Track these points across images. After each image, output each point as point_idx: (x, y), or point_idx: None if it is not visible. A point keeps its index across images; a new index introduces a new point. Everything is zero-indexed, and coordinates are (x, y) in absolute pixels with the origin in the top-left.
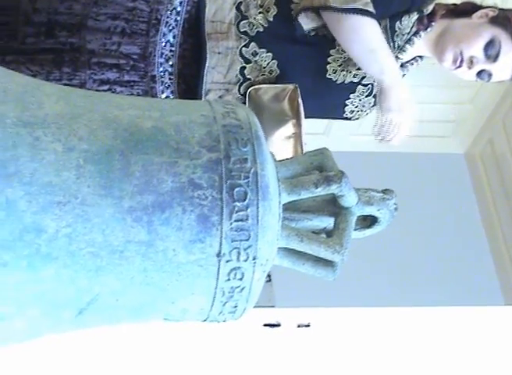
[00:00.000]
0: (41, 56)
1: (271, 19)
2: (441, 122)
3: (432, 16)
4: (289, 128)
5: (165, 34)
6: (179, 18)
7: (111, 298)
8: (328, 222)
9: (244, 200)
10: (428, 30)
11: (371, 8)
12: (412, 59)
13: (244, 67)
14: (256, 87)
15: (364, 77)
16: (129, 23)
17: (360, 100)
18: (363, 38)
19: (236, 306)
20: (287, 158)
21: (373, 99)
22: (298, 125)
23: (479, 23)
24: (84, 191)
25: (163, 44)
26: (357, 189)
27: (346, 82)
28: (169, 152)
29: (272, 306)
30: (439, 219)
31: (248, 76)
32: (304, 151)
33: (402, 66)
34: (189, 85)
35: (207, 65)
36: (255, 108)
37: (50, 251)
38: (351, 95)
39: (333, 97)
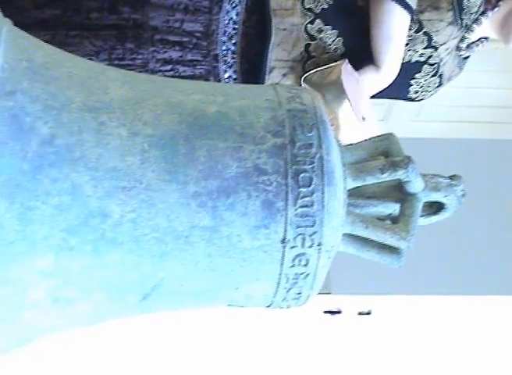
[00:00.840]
0: (105, 32)
1: None
2: (503, 107)
3: None
4: (348, 104)
5: (228, 12)
6: None
7: (175, 284)
8: (393, 208)
9: (309, 185)
10: (496, 9)
11: (411, 3)
12: (477, 40)
13: (309, 44)
14: (308, 74)
15: (430, 56)
16: (193, 1)
17: (425, 80)
18: (388, 24)
19: (300, 293)
20: (352, 144)
21: (438, 79)
22: (349, 100)
23: None
24: (149, 176)
25: (226, 21)
26: (423, 175)
27: (411, 61)
28: (234, 137)
29: (329, 293)
30: (503, 206)
31: (313, 54)
32: (364, 126)
33: (468, 46)
34: (252, 64)
35: (271, 42)
36: (318, 93)
37: (115, 236)
38: (416, 75)
39: (398, 76)
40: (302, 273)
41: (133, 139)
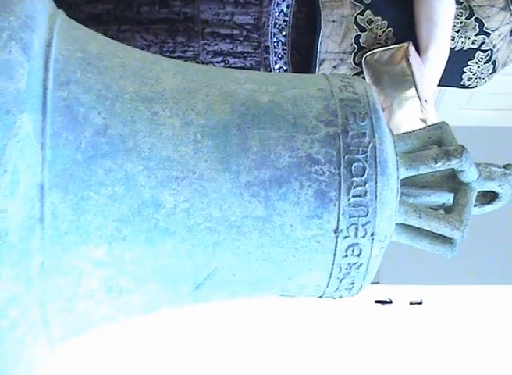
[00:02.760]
0: (156, 26)
1: None
2: None
3: None
4: (412, 88)
5: (278, 4)
6: None
7: (228, 273)
8: (446, 198)
9: (362, 175)
10: None
11: None
12: None
13: (359, 35)
14: (370, 52)
15: (483, 43)
16: None
17: (478, 67)
18: (432, 8)
19: (352, 283)
20: (405, 133)
21: (492, 66)
22: (415, 83)
23: None
24: (202, 166)
25: (276, 13)
26: (477, 164)
27: (464, 48)
28: (286, 127)
29: (377, 282)
30: None
31: (363, 45)
32: (426, 109)
33: None
34: (302, 55)
35: (321, 34)
36: (374, 75)
37: (168, 226)
38: (469, 62)
39: (451, 64)
40: (355, 263)
41: (185, 129)
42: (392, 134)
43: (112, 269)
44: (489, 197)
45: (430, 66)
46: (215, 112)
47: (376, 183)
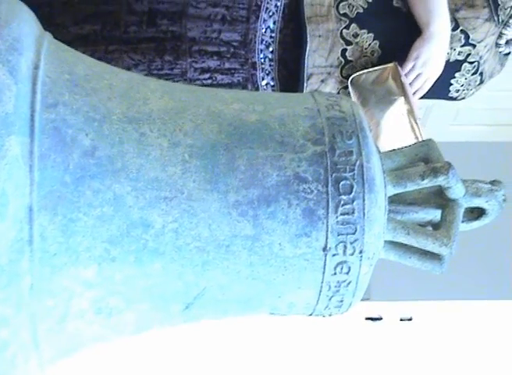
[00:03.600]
0: (143, 45)
1: (370, 0)
2: None
3: None
4: (400, 106)
5: (265, 20)
6: (279, 3)
7: (217, 293)
8: (434, 214)
9: (350, 193)
10: None
11: None
12: None
13: (346, 49)
14: (355, 75)
15: (469, 54)
16: (230, 10)
17: (465, 79)
18: None
19: (342, 300)
20: (392, 150)
21: (479, 77)
22: (408, 101)
23: None
24: (190, 186)
25: (263, 30)
26: (463, 180)
27: (450, 60)
28: (274, 146)
29: (368, 299)
30: None
31: (350, 58)
32: (419, 126)
33: (507, 42)
34: (290, 71)
35: (308, 48)
36: (361, 96)
37: (157, 246)
38: (456, 74)
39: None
40: (344, 281)
41: (173, 149)
42: (379, 152)
43: (102, 290)
44: (477, 213)
45: (435, 41)
46: (203, 132)
47: (364, 200)
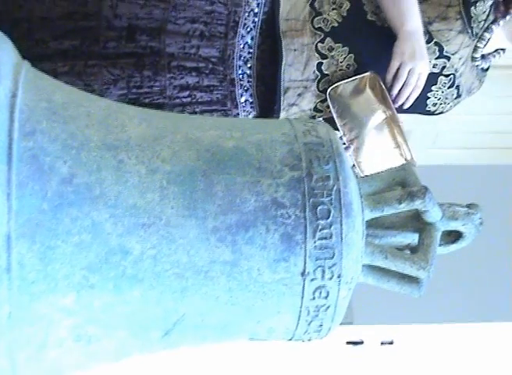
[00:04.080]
0: (123, 60)
1: (344, 15)
2: None
3: (509, 3)
4: (380, 115)
5: (243, 36)
6: (256, 19)
7: (196, 319)
8: (412, 238)
9: (328, 218)
10: (507, 18)
11: None
12: (494, 51)
13: (321, 63)
14: (333, 86)
15: (444, 67)
16: (208, 26)
17: (442, 92)
18: None
19: (321, 325)
20: (369, 174)
21: (456, 91)
22: (388, 108)
23: None
24: (168, 213)
25: (241, 46)
26: (440, 204)
27: None
28: (252, 171)
29: (350, 322)
30: None
31: (326, 72)
32: (402, 131)
33: (484, 57)
34: (267, 86)
35: (283, 63)
36: (340, 107)
37: (136, 272)
38: (433, 87)
39: None
40: (323, 306)
41: (151, 176)
42: (357, 177)
43: (81, 317)
44: (454, 236)
45: (413, 38)
46: (181, 158)
47: (341, 225)
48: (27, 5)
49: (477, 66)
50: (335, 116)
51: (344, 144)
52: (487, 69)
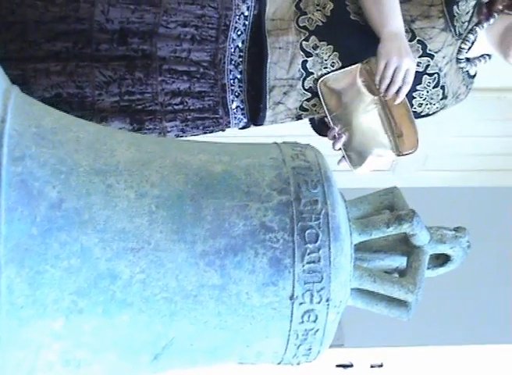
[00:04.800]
0: (114, 62)
1: (328, 15)
2: (508, 155)
3: (491, 6)
4: (370, 104)
5: (234, 40)
6: (247, 22)
7: (185, 343)
8: (400, 261)
9: (316, 242)
10: (491, 21)
11: None
12: (480, 56)
13: (306, 61)
14: (322, 79)
15: (428, 65)
16: (199, 30)
17: (427, 92)
18: None
19: (310, 349)
20: (357, 198)
21: (441, 91)
22: (378, 97)
23: None
24: (157, 237)
25: (232, 50)
26: (428, 227)
27: None
28: (240, 196)
29: (341, 345)
30: (509, 253)
31: (311, 70)
32: (394, 118)
33: (469, 60)
34: (257, 90)
35: (268, 61)
36: (332, 99)
37: (125, 297)
38: (418, 87)
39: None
40: (311, 329)
41: (140, 200)
42: (345, 200)
43: (70, 342)
44: (442, 259)
45: (396, 38)
46: (169, 183)
47: (330, 249)
48: (20, 10)
49: (462, 68)
50: (325, 107)
51: (335, 136)
52: (474, 76)
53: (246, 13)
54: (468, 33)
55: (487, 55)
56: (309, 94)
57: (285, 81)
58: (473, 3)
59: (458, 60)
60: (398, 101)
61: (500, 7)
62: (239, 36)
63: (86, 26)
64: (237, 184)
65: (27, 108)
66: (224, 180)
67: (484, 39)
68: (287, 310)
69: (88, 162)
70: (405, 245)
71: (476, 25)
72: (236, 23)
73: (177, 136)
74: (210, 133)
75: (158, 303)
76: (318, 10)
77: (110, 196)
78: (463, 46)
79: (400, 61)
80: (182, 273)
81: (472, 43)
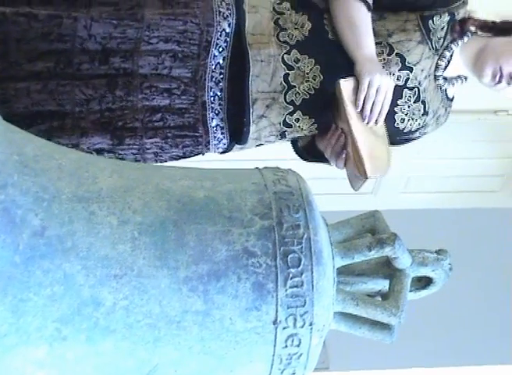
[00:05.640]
0: (95, 80)
1: (306, 34)
2: (489, 176)
3: (464, 24)
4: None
5: (215, 56)
6: (228, 39)
7: (169, 369)
8: (383, 284)
9: (298, 266)
10: (465, 40)
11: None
12: (457, 77)
13: (288, 74)
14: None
15: (408, 79)
16: (181, 46)
17: (409, 107)
18: (349, 15)
19: (294, 373)
20: (339, 222)
21: (422, 106)
22: (347, 116)
23: None
24: (140, 263)
25: (213, 66)
26: (410, 250)
27: None
28: (222, 221)
29: (326, 368)
30: (493, 275)
31: (292, 84)
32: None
33: (447, 80)
34: (238, 108)
35: (251, 73)
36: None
37: (108, 324)
38: (399, 101)
39: None
40: (295, 354)
41: (123, 227)
42: (327, 224)
43: (54, 370)
44: (424, 282)
45: (369, 61)
46: (152, 209)
47: (312, 273)
48: (3, 28)
49: (440, 86)
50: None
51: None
52: (452, 99)
53: (227, 30)
54: (444, 49)
55: (464, 76)
56: (291, 108)
57: (267, 94)
58: (447, 19)
59: (436, 77)
60: (380, 121)
61: (472, 28)
62: (220, 52)
63: (68, 45)
64: (219, 210)
65: (9, 136)
66: (206, 205)
67: (459, 60)
68: (271, 335)
69: (71, 190)
70: (387, 268)
71: (451, 42)
72: (218, 39)
73: (155, 154)
74: (189, 154)
75: (142, 329)
76: (296, 29)
77: (93, 223)
78: (439, 62)
79: (381, 80)
80: (165, 299)
81: (448, 61)
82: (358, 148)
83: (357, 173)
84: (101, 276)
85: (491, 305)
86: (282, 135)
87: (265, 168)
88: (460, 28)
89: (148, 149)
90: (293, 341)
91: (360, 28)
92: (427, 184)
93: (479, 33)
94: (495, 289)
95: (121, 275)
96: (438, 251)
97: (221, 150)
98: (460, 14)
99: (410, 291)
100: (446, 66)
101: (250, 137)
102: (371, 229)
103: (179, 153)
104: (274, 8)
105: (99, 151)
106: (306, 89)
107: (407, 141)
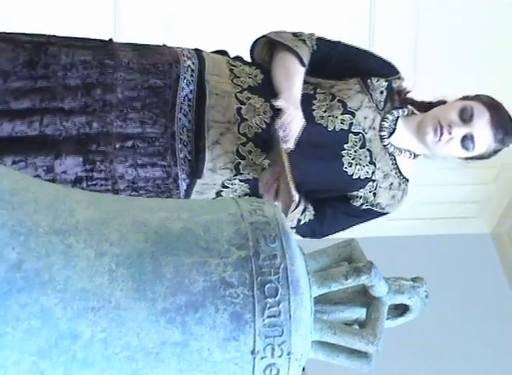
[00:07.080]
0: (75, 114)
1: (260, 82)
2: (466, 203)
3: (400, 95)
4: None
5: (183, 88)
6: (194, 74)
7: None
8: (360, 312)
9: (276, 296)
10: (405, 112)
11: (298, 50)
12: (406, 149)
13: (240, 108)
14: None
15: (351, 124)
16: (153, 78)
17: (355, 151)
18: (286, 66)
19: None
20: (316, 251)
21: (368, 153)
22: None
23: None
24: (117, 295)
25: (182, 98)
26: (386, 278)
27: (336, 129)
28: (199, 252)
29: None
30: (469, 301)
31: (245, 117)
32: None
33: (394, 147)
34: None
35: (207, 104)
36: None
37: (86, 356)
38: (345, 146)
39: (328, 145)
40: None
41: (100, 259)
42: (303, 253)
43: None
44: (401, 309)
45: (295, 99)
46: (129, 241)
47: (289, 302)
48: None
49: (387, 148)
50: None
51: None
52: (407, 180)
53: (192, 67)
54: (387, 113)
55: (413, 152)
56: (244, 139)
57: (221, 124)
58: (384, 85)
59: (381, 137)
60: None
61: (410, 107)
62: (187, 85)
63: (51, 81)
64: (196, 241)
65: None
66: (183, 237)
67: (405, 133)
68: (249, 365)
69: (47, 223)
70: (364, 297)
71: (393, 109)
72: (185, 73)
73: (129, 185)
74: (162, 190)
75: (120, 362)
76: (249, 78)
77: (70, 256)
78: (383, 123)
79: (295, 113)
80: (143, 331)
81: (393, 128)
82: (287, 173)
83: (287, 200)
84: (79, 308)
85: (468, 332)
86: (236, 168)
87: (241, 198)
88: (399, 98)
89: (121, 178)
90: (271, 370)
91: (292, 76)
92: (403, 211)
93: (416, 112)
94: (472, 315)
95: (98, 307)
96: (414, 279)
97: (185, 187)
98: (397, 84)
99: (387, 318)
100: (391, 132)
101: (205, 167)
102: (347, 257)
103: (154, 189)
104: (228, 61)
105: (75, 181)
106: (258, 123)
107: (370, 211)
